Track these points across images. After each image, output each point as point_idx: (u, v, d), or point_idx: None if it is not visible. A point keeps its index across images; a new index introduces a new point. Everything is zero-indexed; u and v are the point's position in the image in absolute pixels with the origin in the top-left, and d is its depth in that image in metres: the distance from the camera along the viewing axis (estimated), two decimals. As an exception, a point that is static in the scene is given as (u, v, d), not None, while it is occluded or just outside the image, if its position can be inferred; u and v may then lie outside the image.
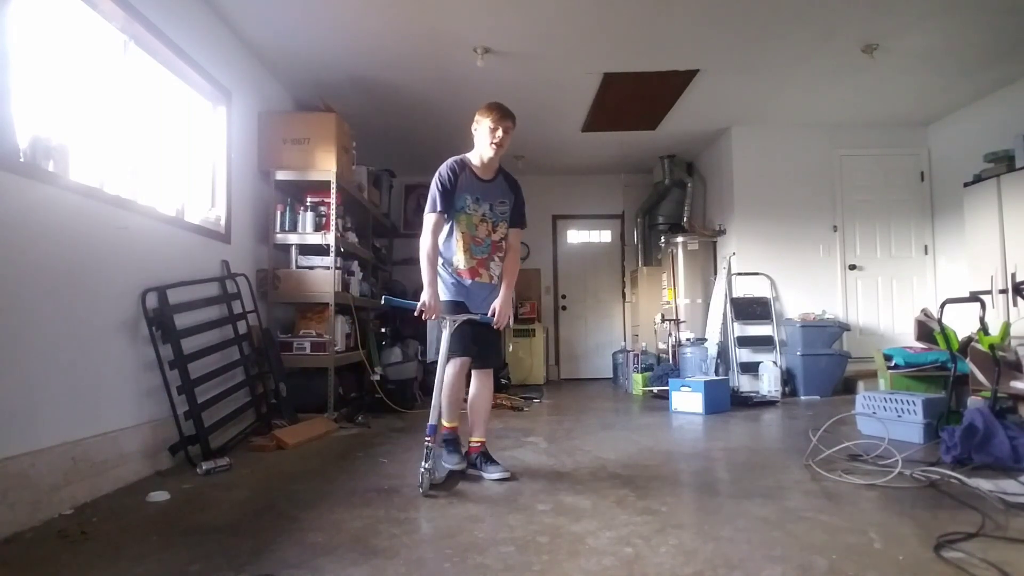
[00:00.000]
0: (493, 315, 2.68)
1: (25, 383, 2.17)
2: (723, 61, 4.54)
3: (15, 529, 2.03)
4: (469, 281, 2.74)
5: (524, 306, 7.30)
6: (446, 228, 2.74)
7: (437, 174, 2.70)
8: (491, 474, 2.69)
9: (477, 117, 2.73)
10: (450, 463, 2.72)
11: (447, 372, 2.68)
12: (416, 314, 2.57)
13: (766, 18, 3.91)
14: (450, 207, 2.70)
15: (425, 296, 2.58)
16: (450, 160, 2.75)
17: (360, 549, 1.84)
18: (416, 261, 2.69)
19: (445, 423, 2.77)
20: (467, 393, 2.85)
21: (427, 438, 2.51)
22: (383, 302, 2.67)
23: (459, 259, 2.74)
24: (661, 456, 3.17)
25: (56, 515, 2.20)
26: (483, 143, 2.71)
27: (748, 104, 5.48)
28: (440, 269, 2.74)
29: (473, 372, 2.81)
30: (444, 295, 2.72)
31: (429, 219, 2.67)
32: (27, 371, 2.18)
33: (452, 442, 2.79)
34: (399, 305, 2.66)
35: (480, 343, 2.73)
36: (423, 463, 2.45)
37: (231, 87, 3.90)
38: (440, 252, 2.74)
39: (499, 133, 2.67)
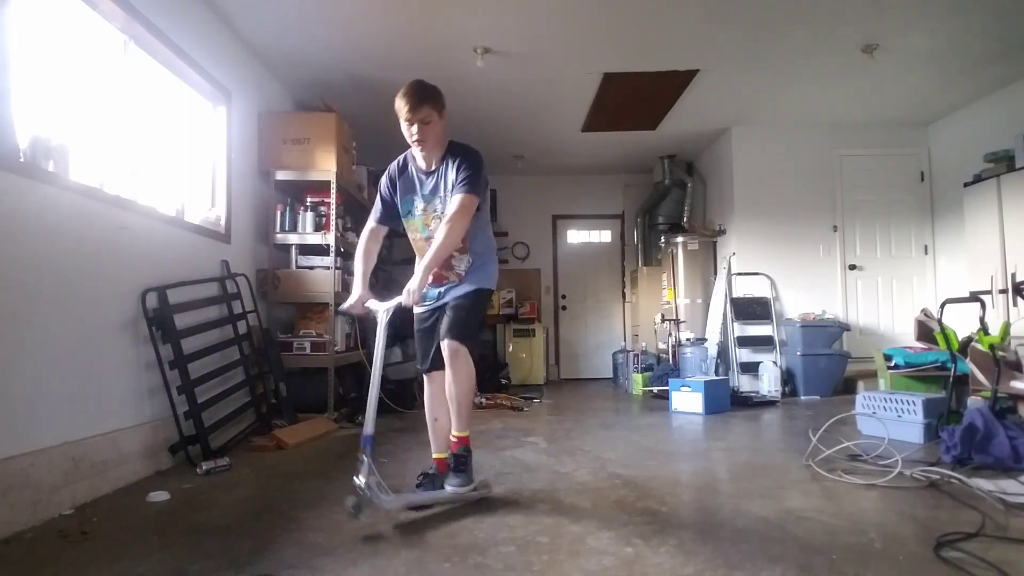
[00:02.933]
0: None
1: (25, 383, 2.17)
2: (723, 61, 4.54)
3: (15, 529, 2.03)
4: (436, 291, 2.39)
5: (524, 306, 7.32)
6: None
7: (380, 180, 2.44)
8: (450, 487, 2.28)
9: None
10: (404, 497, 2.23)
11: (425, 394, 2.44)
12: (349, 311, 2.34)
13: (766, 18, 3.91)
14: (386, 216, 2.44)
15: (350, 299, 2.32)
16: (392, 163, 2.44)
17: (360, 549, 1.84)
18: (414, 261, 2.51)
19: (434, 453, 2.44)
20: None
21: (362, 449, 2.05)
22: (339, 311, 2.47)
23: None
24: (661, 456, 3.16)
25: (56, 515, 2.20)
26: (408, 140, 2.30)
27: (748, 104, 5.49)
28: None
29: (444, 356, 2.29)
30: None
31: (367, 224, 2.46)
32: (27, 371, 2.18)
33: (428, 476, 2.36)
34: (343, 312, 2.44)
35: (435, 328, 2.36)
36: (356, 477, 1.98)
37: (231, 87, 3.90)
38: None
39: (414, 130, 2.23)
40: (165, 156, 3.38)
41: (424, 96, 2.25)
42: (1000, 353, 3.30)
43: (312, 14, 3.77)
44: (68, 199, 2.42)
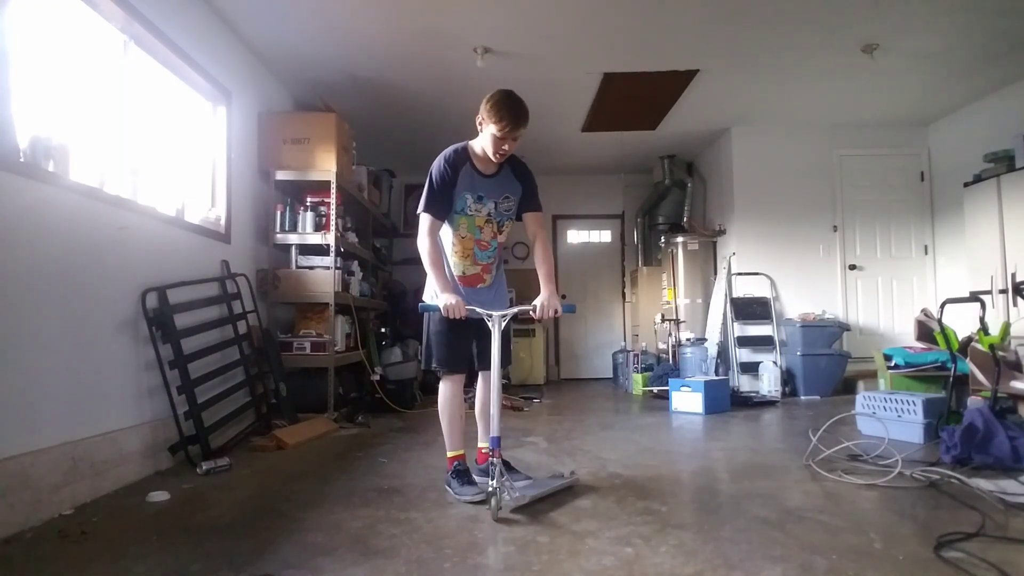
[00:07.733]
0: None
1: (25, 383, 2.17)
2: (723, 61, 4.54)
3: (15, 529, 2.03)
4: (469, 289, 2.50)
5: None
6: (445, 231, 2.48)
7: (433, 167, 2.39)
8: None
9: (484, 114, 2.33)
10: (466, 495, 2.33)
11: (440, 392, 2.50)
12: (452, 315, 2.31)
13: (766, 18, 3.91)
14: (445, 209, 2.42)
15: (442, 300, 2.29)
16: (449, 151, 2.42)
17: (360, 549, 1.84)
18: (417, 260, 2.50)
19: (448, 452, 2.50)
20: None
21: (491, 451, 2.18)
22: (420, 310, 2.45)
23: (459, 267, 2.50)
24: (661, 456, 3.16)
25: (56, 515, 2.20)
26: (487, 147, 2.38)
27: (748, 104, 5.48)
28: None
29: (479, 375, 2.58)
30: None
31: (424, 220, 2.40)
32: (27, 371, 2.18)
33: (461, 473, 2.43)
34: (432, 309, 2.40)
35: (481, 343, 2.50)
36: (491, 482, 2.10)
37: (231, 87, 3.90)
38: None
39: (506, 147, 2.35)
40: (165, 156, 3.38)
41: (522, 116, 2.33)
42: (1000, 353, 3.30)
43: (313, 14, 3.77)
44: (68, 199, 2.41)
